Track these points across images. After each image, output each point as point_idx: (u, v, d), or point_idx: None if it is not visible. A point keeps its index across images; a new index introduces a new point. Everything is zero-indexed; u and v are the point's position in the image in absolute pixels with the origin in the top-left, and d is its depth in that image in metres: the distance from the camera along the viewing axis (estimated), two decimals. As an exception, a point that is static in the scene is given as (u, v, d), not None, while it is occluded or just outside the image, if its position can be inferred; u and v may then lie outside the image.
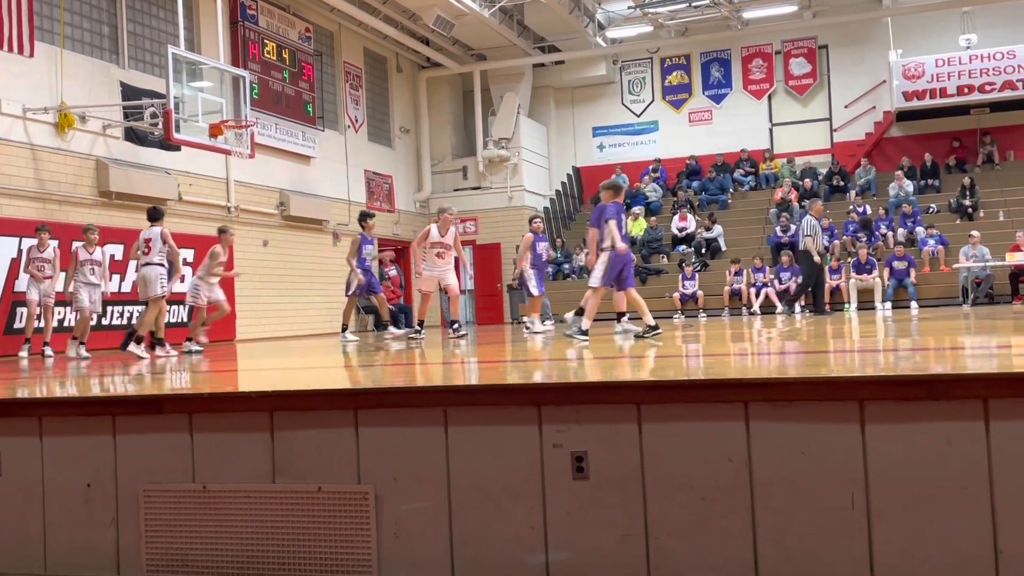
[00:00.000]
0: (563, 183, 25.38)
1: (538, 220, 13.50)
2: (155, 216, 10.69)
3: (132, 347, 9.98)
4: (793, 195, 21.76)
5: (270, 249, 17.84)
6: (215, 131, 13.89)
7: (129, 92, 14.58)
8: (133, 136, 14.68)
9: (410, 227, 23.14)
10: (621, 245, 9.05)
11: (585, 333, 8.98)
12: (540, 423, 3.60)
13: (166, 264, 10.44)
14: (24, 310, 11.91)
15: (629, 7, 22.68)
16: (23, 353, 11.46)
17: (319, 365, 7.12)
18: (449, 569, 3.66)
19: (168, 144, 14.36)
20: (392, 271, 21.37)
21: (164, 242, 10.37)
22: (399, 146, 23.10)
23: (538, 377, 4.91)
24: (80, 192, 13.82)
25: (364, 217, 12.94)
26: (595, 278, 9.24)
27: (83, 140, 13.88)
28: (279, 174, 18.25)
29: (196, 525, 3.94)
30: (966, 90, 21.44)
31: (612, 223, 8.96)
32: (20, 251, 12.04)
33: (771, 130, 24.29)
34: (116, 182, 14.13)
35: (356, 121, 21.21)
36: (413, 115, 23.72)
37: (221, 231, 12.20)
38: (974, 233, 18.23)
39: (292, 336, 17.38)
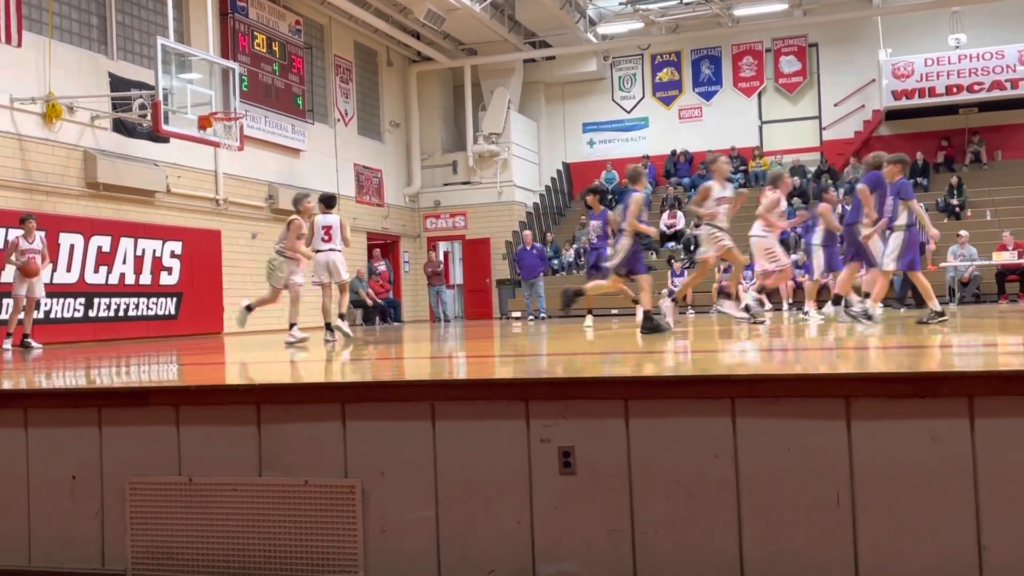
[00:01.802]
0: (553, 179, 25.40)
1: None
2: (332, 203, 10.96)
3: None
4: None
5: (259, 242, 17.77)
6: (204, 123, 13.84)
7: (118, 83, 14.51)
8: (121, 127, 14.61)
9: (399, 221, 23.12)
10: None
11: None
12: (528, 418, 3.60)
13: (341, 248, 10.71)
14: (9, 301, 11.81)
15: (620, 3, 22.69)
16: (7, 345, 11.38)
17: (307, 358, 7.10)
18: (436, 564, 3.66)
19: (157, 136, 14.30)
20: (381, 266, 21.37)
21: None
22: (389, 140, 23.06)
23: (526, 372, 4.91)
24: (68, 183, 13.74)
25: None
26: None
27: (71, 131, 13.81)
28: (268, 167, 18.20)
29: (182, 518, 3.93)
30: (955, 90, 21.55)
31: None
32: (6, 241, 11.95)
33: (761, 128, 24.35)
34: (104, 173, 14.06)
35: (346, 115, 21.16)
36: (403, 109, 23.68)
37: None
38: (962, 232, 18.32)
39: (280, 329, 17.33)
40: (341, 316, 11.09)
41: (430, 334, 12.66)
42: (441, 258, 23.38)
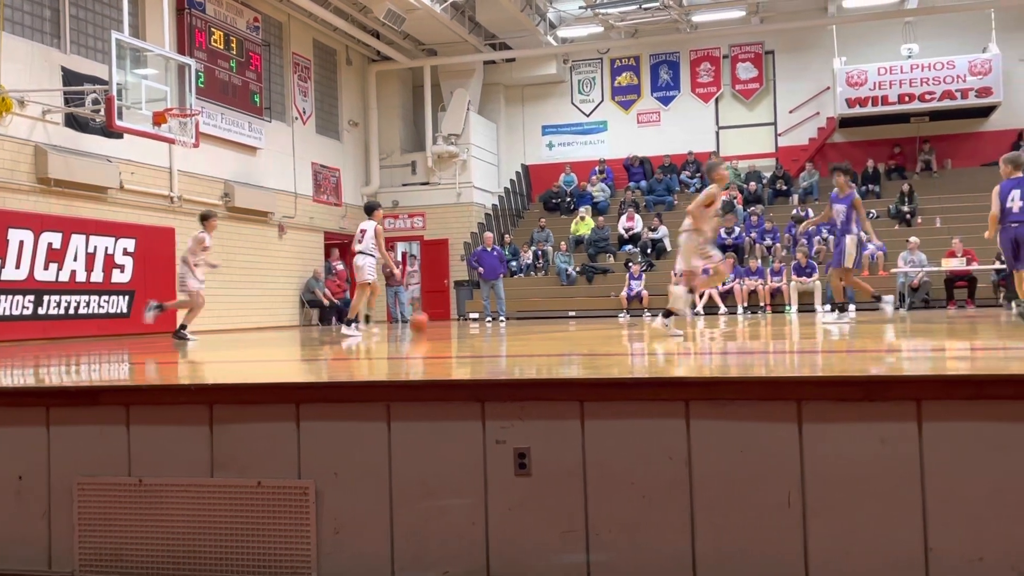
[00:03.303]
0: (512, 180, 25.43)
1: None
2: (368, 210, 11.84)
3: (344, 329, 11.30)
4: (738, 198, 22.09)
5: (213, 241, 17.52)
6: (159, 119, 13.64)
7: (71, 77, 14.25)
8: (74, 122, 14.35)
9: (356, 221, 22.96)
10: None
11: None
12: (484, 419, 3.60)
13: (376, 254, 11.51)
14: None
15: (580, 7, 22.79)
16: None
17: (262, 358, 7.03)
18: (389, 565, 3.65)
19: (110, 131, 14.07)
20: (338, 265, 21.24)
21: (377, 236, 11.41)
22: (347, 139, 22.93)
23: (482, 373, 4.91)
24: (17, 178, 13.47)
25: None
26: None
27: (21, 125, 13.54)
28: (224, 164, 18.00)
29: (131, 519, 3.87)
30: (907, 98, 21.95)
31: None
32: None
33: (718, 133, 24.60)
34: (55, 169, 13.81)
35: (304, 113, 21.00)
36: (362, 108, 23.56)
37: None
38: (912, 239, 18.67)
39: (235, 329, 17.15)
40: (350, 321, 11.80)
41: (386, 335, 12.61)
42: (399, 258, 23.31)
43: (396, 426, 3.68)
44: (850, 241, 10.46)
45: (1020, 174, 9.12)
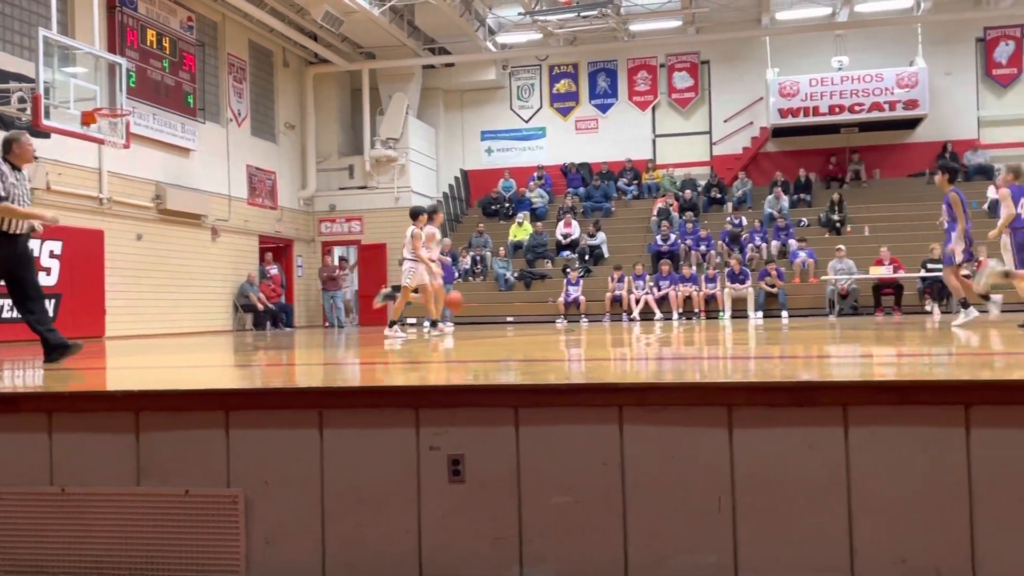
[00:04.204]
0: (451, 185, 25.39)
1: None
2: (411, 215, 12.26)
3: (387, 331, 11.84)
4: (674, 206, 22.37)
5: (144, 243, 17.21)
6: (88, 119, 13.30)
7: (-5, 74, 13.85)
8: (-2, 121, 13.93)
9: (293, 225, 22.71)
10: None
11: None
12: (417, 426, 3.58)
13: (413, 258, 11.88)
14: None
15: (519, 14, 22.86)
16: None
17: (191, 364, 6.90)
18: (321, 574, 3.60)
19: (37, 131, 13.66)
20: (273, 269, 20.96)
21: (412, 239, 11.84)
22: (284, 142, 22.66)
23: (417, 379, 4.88)
24: (-63, 177, 13.02)
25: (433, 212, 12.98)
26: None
27: (-58, 122, 13.11)
28: (156, 166, 17.64)
29: (54, 530, 3.76)
30: (837, 109, 22.45)
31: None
32: None
33: (654, 141, 24.88)
34: (-23, 168, 13.37)
35: (239, 115, 20.70)
36: (299, 111, 23.30)
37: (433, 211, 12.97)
38: (841, 247, 19.10)
39: (166, 334, 16.80)
40: (392, 323, 12.23)
41: (322, 340, 12.48)
42: (336, 263, 23.09)
43: (329, 433, 3.64)
44: (955, 238, 10.48)
45: (1020, 182, 9.71)
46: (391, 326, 12.06)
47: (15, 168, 6.81)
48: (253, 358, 7.84)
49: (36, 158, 7.85)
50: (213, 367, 6.64)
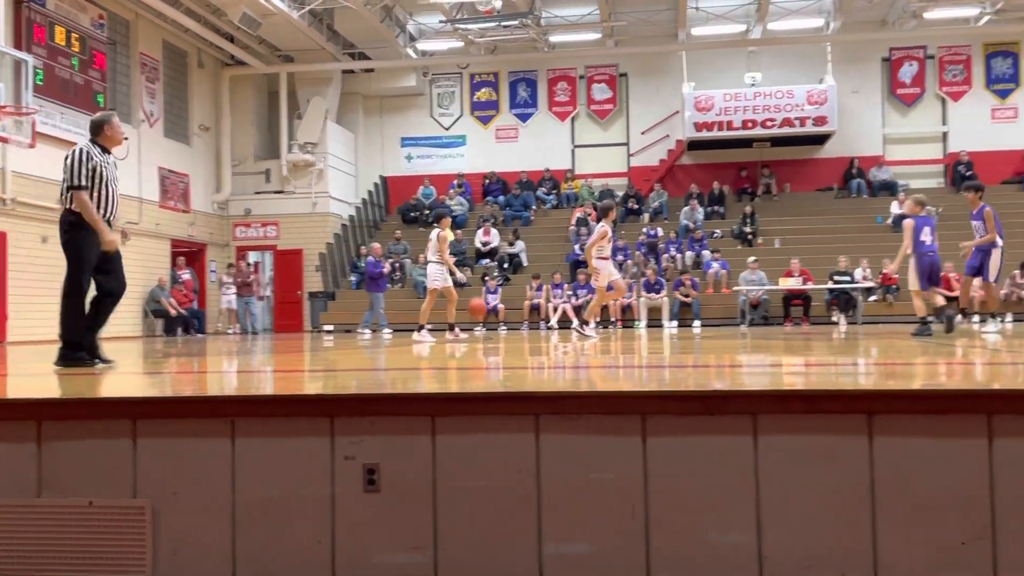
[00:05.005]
0: (370, 192, 25.22)
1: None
2: (435, 217, 12.73)
3: (416, 335, 12.22)
4: (592, 215, 22.59)
5: (50, 245, 16.57)
6: (-9, 117, 12.85)
7: None
8: None
9: (206, 229, 22.24)
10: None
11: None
12: (333, 435, 3.54)
13: (439, 261, 12.19)
14: None
15: (440, 21, 22.85)
16: None
17: (97, 371, 6.69)
18: (231, 586, 3.53)
19: (-66, 127, 13.14)
20: (185, 274, 20.49)
21: (439, 242, 12.18)
22: (198, 144, 22.19)
23: (332, 388, 4.83)
24: None
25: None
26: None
27: None
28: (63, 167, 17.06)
29: (-54, 545, 3.60)
30: (750, 124, 23.01)
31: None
32: None
33: (573, 151, 25.13)
34: None
35: (151, 115, 20.20)
36: (214, 113, 22.85)
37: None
38: (753, 258, 19.57)
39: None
40: (420, 327, 12.50)
41: (236, 347, 12.23)
42: (251, 267, 22.69)
43: (240, 442, 3.57)
44: (996, 254, 10.69)
45: (924, 213, 10.77)
46: (419, 330, 12.31)
47: (105, 151, 6.53)
48: (163, 365, 7.65)
49: (126, 138, 7.59)
50: (120, 374, 6.46)
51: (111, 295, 6.58)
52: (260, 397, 3.96)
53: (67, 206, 6.37)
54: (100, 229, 6.38)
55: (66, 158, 6.39)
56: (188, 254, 21.34)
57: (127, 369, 7.09)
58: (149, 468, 3.58)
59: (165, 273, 19.96)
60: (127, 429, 3.60)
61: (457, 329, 12.72)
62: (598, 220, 12.54)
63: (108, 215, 6.50)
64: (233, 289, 20.70)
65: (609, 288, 12.16)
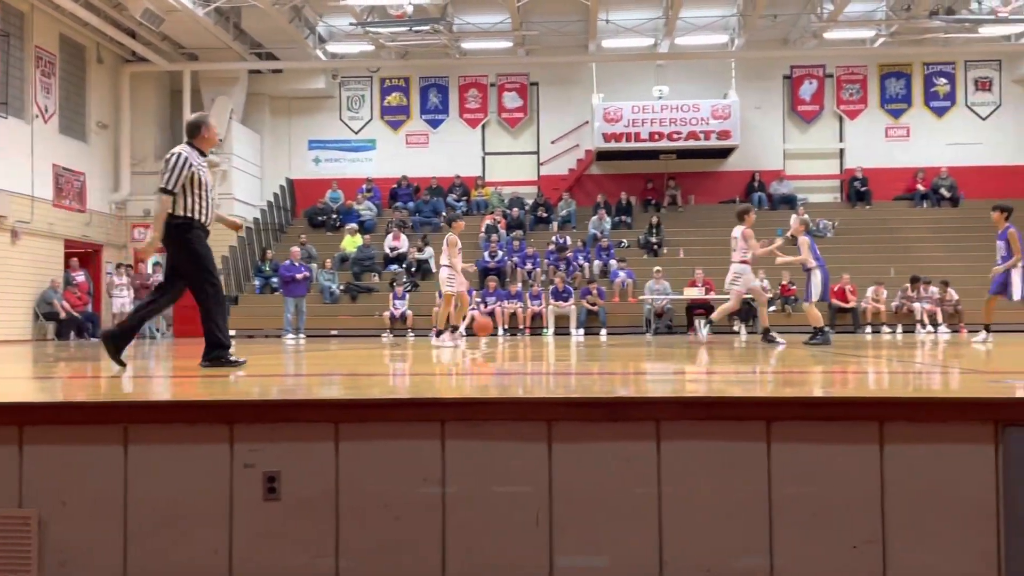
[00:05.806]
0: (276, 194, 24.76)
1: None
2: (447, 221, 12.31)
3: (434, 340, 11.88)
4: (501, 223, 22.69)
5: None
6: None
7: None
8: None
9: (103, 229, 21.50)
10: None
11: None
12: (232, 442, 3.44)
13: (448, 265, 11.80)
14: None
15: (351, 23, 22.63)
16: None
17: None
18: (122, 599, 3.40)
19: None
20: (80, 276, 19.76)
21: (449, 246, 11.76)
22: (95, 142, 21.45)
23: (232, 394, 4.70)
24: None
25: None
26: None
27: None
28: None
29: None
30: (657, 136, 23.43)
31: None
32: None
33: (484, 158, 25.17)
34: None
35: (46, 110, 19.45)
36: (113, 110, 22.13)
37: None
38: (657, 268, 19.92)
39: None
40: (439, 332, 12.17)
41: (132, 351, 11.84)
42: (151, 270, 21.99)
43: (134, 450, 3.45)
44: (1016, 275, 10.78)
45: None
46: (438, 335, 12.06)
47: (202, 153, 6.39)
48: (53, 369, 7.35)
49: (221, 141, 7.28)
50: (7, 379, 6.18)
51: (170, 299, 6.62)
52: (155, 403, 3.84)
53: (170, 211, 6.19)
54: (158, 234, 6.29)
55: (167, 159, 6.16)
56: (83, 255, 20.59)
57: (14, 374, 6.79)
58: (36, 476, 3.43)
59: (58, 274, 19.22)
60: (13, 436, 3.44)
61: (458, 333, 12.42)
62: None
63: (207, 220, 6.37)
64: (127, 292, 20.01)
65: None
